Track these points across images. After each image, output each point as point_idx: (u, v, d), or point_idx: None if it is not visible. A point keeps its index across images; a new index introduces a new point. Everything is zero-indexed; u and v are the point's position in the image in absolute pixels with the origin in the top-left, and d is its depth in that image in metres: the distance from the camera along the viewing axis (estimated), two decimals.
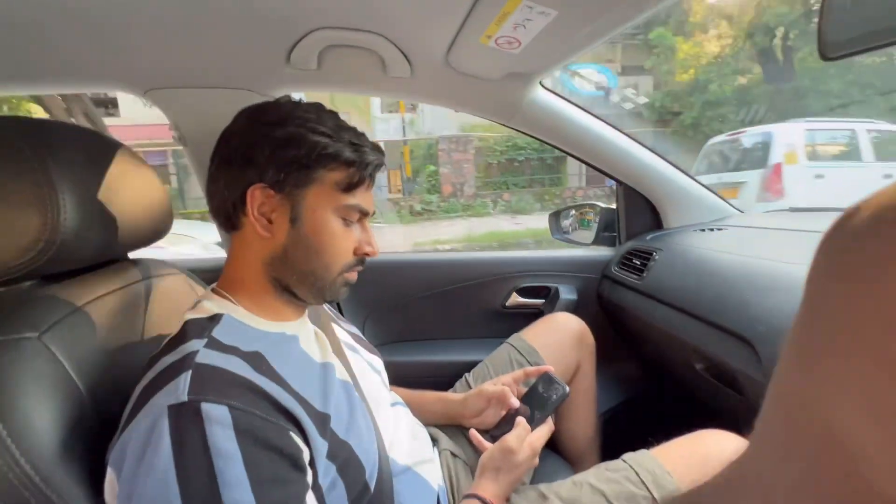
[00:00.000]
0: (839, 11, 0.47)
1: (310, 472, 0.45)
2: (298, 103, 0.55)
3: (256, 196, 0.52)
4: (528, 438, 0.62)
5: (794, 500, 0.16)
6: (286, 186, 0.52)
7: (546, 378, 0.71)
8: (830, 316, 0.15)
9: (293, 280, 0.54)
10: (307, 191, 0.53)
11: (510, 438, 0.61)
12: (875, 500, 0.13)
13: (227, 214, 0.54)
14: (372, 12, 0.70)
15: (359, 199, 0.56)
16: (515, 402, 0.72)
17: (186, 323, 0.49)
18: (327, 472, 0.48)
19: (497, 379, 0.79)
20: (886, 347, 0.13)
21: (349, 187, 0.54)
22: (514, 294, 1.24)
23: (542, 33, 0.66)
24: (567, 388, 0.67)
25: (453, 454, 0.75)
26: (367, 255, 0.58)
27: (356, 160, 0.54)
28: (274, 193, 0.52)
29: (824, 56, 0.47)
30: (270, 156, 0.51)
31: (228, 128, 0.55)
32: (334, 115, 0.56)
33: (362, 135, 0.57)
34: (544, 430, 0.65)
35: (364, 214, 0.57)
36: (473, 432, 0.68)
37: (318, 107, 0.56)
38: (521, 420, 0.63)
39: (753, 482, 0.18)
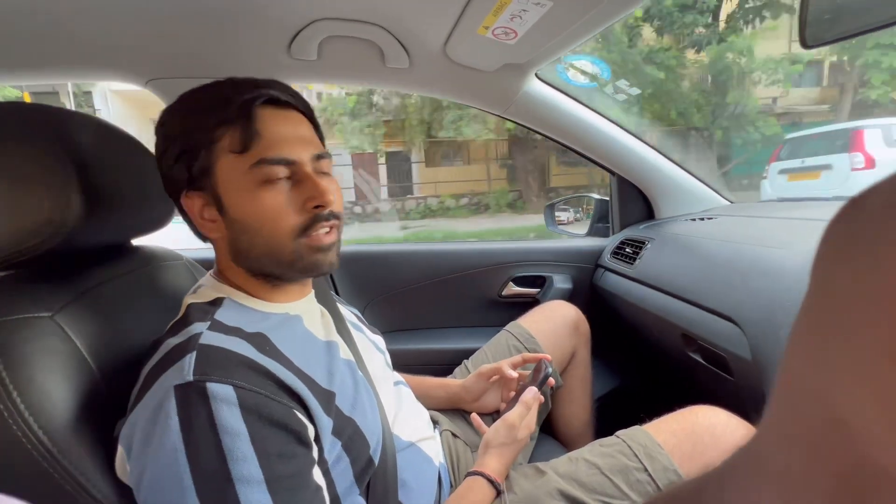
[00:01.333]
0: (819, 2, 0.49)
1: (315, 448, 0.47)
2: (182, 95, 0.51)
3: (190, 206, 0.51)
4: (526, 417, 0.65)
5: (803, 482, 0.16)
6: (197, 181, 0.49)
7: (541, 364, 0.74)
8: (834, 300, 0.15)
9: (262, 265, 0.52)
10: (214, 174, 0.49)
11: (512, 414, 0.64)
12: (884, 482, 0.13)
13: (196, 231, 0.54)
14: (372, 3, 0.72)
15: (265, 150, 0.48)
16: (510, 372, 0.76)
17: (189, 307, 0.50)
18: (333, 448, 0.49)
19: (475, 373, 0.81)
20: (890, 333, 0.13)
21: (243, 145, 0.47)
22: (510, 283, 1.27)
23: (538, 24, 0.68)
24: (550, 369, 0.71)
25: (454, 434, 0.77)
26: (319, 206, 0.50)
27: (228, 112, 0.47)
28: (197, 194, 0.50)
29: (805, 45, 0.49)
30: (169, 163, 0.50)
31: None
32: (212, 84, 0.50)
33: (240, 81, 0.50)
34: (534, 410, 0.67)
35: (288, 164, 0.49)
36: (475, 416, 0.71)
37: (193, 89, 0.50)
38: (523, 399, 0.66)
39: (763, 466, 0.18)
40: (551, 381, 0.72)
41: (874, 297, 0.13)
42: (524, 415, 0.65)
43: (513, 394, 0.75)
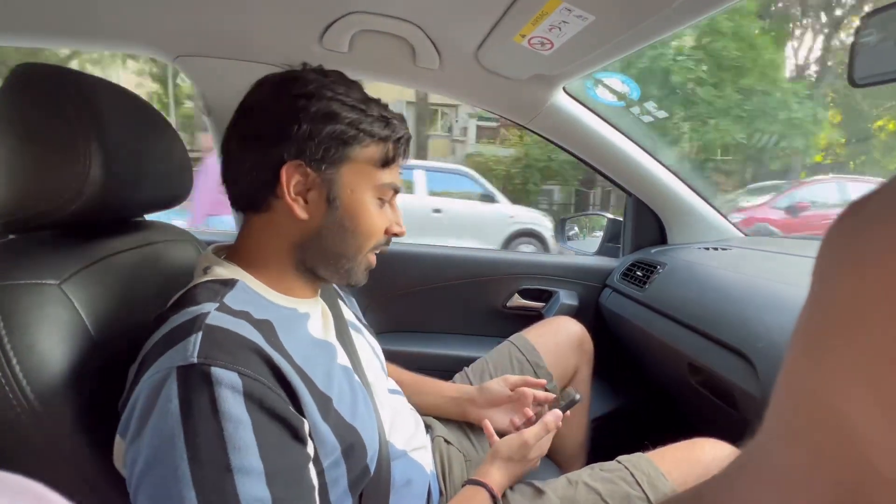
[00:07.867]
0: (867, 46, 0.50)
1: (311, 445, 0.45)
2: (325, 73, 0.52)
3: (292, 174, 0.49)
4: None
5: (803, 484, 0.16)
6: (323, 164, 0.49)
7: (569, 390, 0.71)
8: (836, 304, 0.15)
9: (320, 262, 0.53)
10: (343, 168, 0.51)
11: (529, 433, 0.62)
12: (882, 484, 0.13)
13: (253, 195, 0.51)
14: (411, 1, 0.71)
15: (393, 176, 0.54)
16: (537, 392, 0.74)
17: (197, 286, 0.48)
18: (332, 452, 0.47)
19: (501, 378, 0.79)
20: (891, 337, 0.13)
21: (385, 163, 0.53)
22: (516, 295, 1.26)
23: (576, 37, 0.68)
24: (578, 395, 0.67)
25: (446, 441, 0.75)
26: (396, 234, 0.57)
27: (389, 134, 0.52)
28: (310, 171, 0.49)
29: (853, 83, 0.49)
30: (308, 131, 0.48)
31: (251, 100, 0.52)
32: (358, 85, 0.54)
33: (387, 105, 0.55)
34: (551, 434, 0.65)
35: (396, 192, 0.56)
36: (487, 423, 0.68)
37: (342, 77, 0.53)
38: (544, 419, 0.63)
39: (764, 467, 0.18)
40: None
41: (874, 300, 0.13)
42: (541, 436, 0.62)
43: (533, 415, 0.71)
